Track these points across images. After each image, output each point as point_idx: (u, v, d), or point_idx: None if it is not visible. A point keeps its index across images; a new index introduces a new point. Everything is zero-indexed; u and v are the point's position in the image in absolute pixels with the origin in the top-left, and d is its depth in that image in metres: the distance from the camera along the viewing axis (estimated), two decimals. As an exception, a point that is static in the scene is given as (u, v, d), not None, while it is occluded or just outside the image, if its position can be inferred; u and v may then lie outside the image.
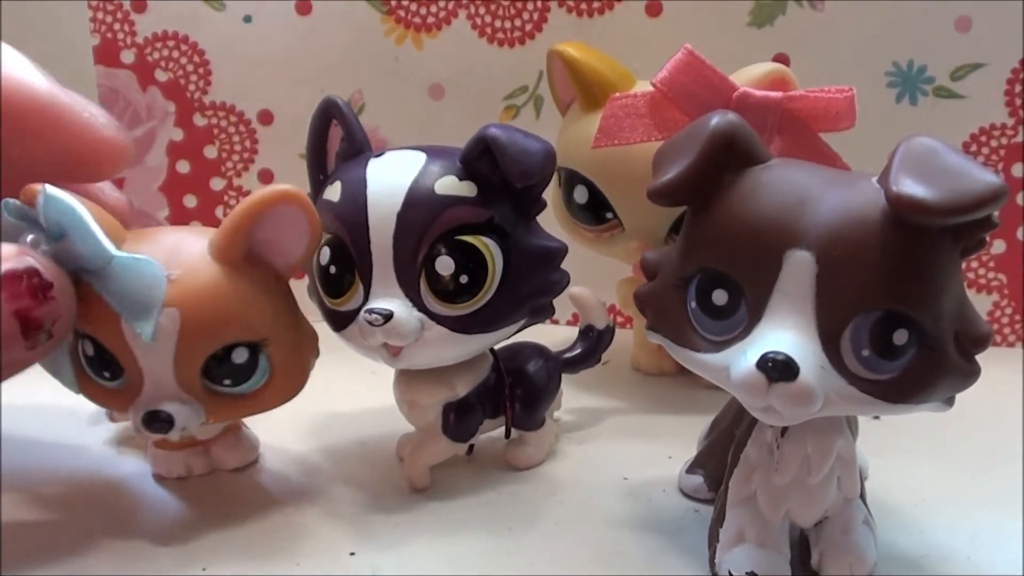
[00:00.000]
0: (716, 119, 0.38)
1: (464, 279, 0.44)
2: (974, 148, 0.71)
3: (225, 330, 0.43)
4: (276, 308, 0.46)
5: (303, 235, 0.45)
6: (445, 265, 0.44)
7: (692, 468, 0.49)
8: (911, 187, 0.33)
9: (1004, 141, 0.71)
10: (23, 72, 0.45)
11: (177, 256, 0.43)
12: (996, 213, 0.34)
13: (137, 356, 0.42)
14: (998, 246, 0.73)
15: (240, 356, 0.44)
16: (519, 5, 0.74)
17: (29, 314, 0.39)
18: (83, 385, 0.46)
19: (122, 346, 0.42)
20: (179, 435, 0.45)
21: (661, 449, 0.53)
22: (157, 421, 0.43)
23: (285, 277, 0.47)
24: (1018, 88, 0.70)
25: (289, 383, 0.47)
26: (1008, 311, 0.74)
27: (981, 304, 0.73)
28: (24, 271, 0.39)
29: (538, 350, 0.53)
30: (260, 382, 0.45)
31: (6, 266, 0.38)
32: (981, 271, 0.73)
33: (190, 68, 0.78)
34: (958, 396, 0.37)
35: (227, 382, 0.44)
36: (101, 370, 0.44)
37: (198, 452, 0.52)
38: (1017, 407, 0.59)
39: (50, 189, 0.40)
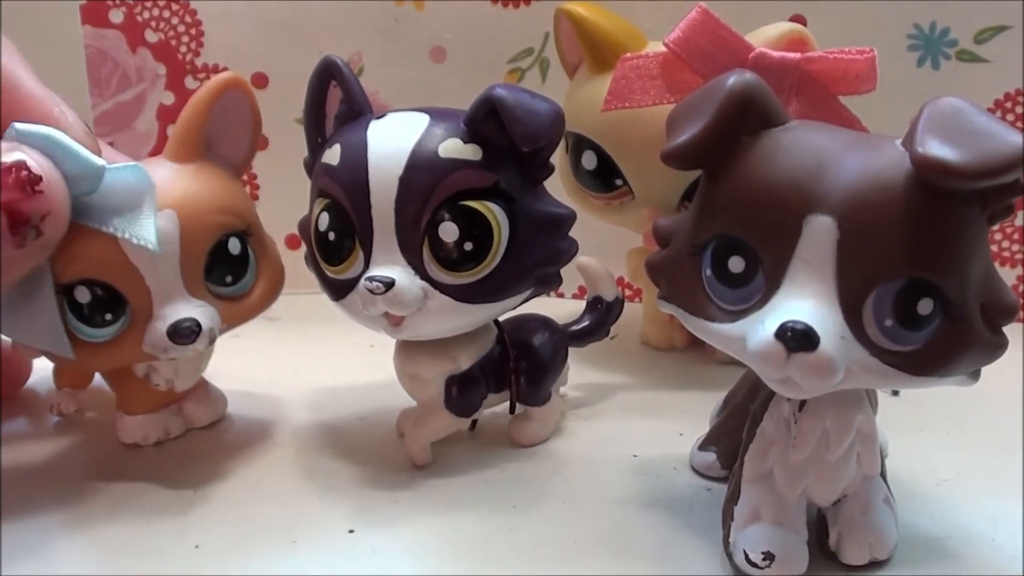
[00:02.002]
0: (733, 79, 0.36)
1: (468, 246, 0.43)
2: (998, 114, 0.69)
3: (218, 219, 0.46)
4: (246, 199, 0.50)
5: (247, 122, 0.50)
6: (449, 231, 0.43)
7: (704, 445, 0.48)
8: (937, 148, 0.32)
9: (1030, 106, 0.69)
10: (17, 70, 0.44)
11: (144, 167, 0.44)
12: (1025, 177, 0.33)
13: (144, 274, 0.43)
14: (1022, 218, 0.71)
15: (235, 246, 0.47)
16: (524, -37, 0.72)
17: (16, 207, 0.38)
18: (78, 351, 0.45)
19: (125, 271, 0.43)
20: (206, 342, 0.45)
21: (671, 426, 0.52)
22: (183, 330, 0.44)
23: (238, 173, 0.51)
24: (1045, 50, 0.68)
25: (271, 280, 0.50)
26: (1033, 285, 0.72)
27: (1006, 277, 0.71)
28: (12, 164, 0.38)
29: (544, 322, 0.52)
30: (253, 277, 0.48)
31: None
32: (1005, 243, 0.72)
33: (181, 29, 0.76)
34: (983, 371, 0.36)
35: (228, 279, 0.47)
36: (101, 315, 0.44)
37: (172, 411, 0.52)
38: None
39: (20, 126, 0.40)
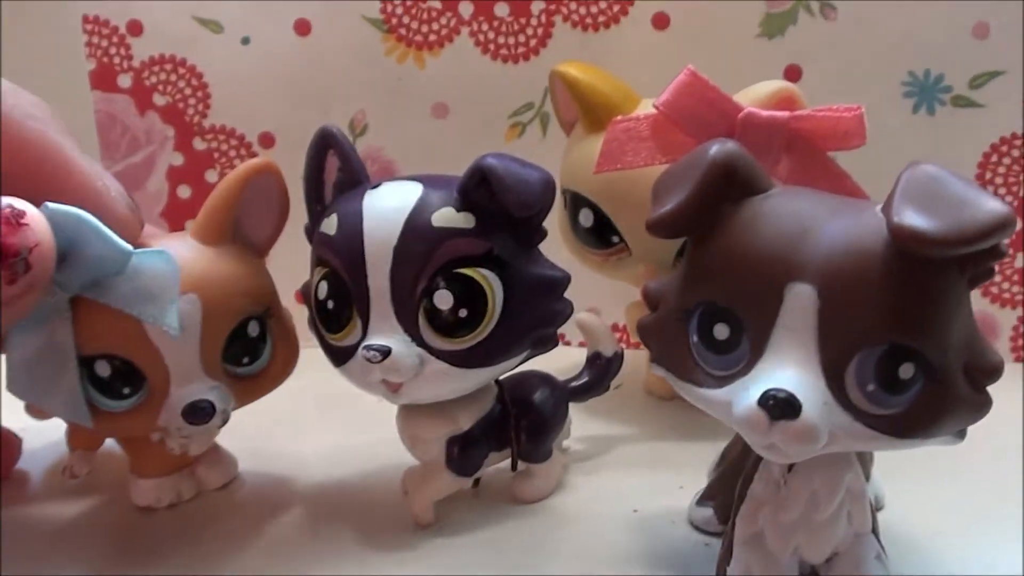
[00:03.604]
0: (715, 148, 0.37)
1: (463, 313, 0.43)
2: (995, 159, 0.69)
3: (240, 303, 0.47)
4: (268, 281, 0.50)
5: (275, 206, 0.51)
6: (444, 299, 0.43)
7: (702, 500, 0.48)
8: (913, 218, 0.32)
9: (1027, 151, 0.69)
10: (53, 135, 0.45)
11: (171, 252, 0.44)
12: (1005, 241, 0.34)
13: (163, 354, 0.44)
14: (1022, 260, 0.71)
15: (254, 329, 0.48)
16: (522, 21, 0.73)
17: (3, 240, 0.38)
18: (94, 419, 0.45)
19: (145, 348, 0.44)
20: (219, 422, 0.47)
21: (672, 478, 0.52)
22: (199, 411, 0.45)
23: (261, 254, 0.51)
24: (1041, 95, 0.68)
25: (287, 357, 0.50)
26: (1033, 326, 0.72)
27: (1006, 319, 0.72)
28: None
29: (544, 379, 0.52)
30: (268, 357, 0.49)
31: None
32: (1005, 285, 0.72)
33: (188, 91, 0.77)
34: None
35: (245, 360, 0.48)
36: (120, 388, 0.45)
37: (185, 475, 0.53)
38: (1044, 424, 0.57)
39: (52, 206, 0.40)
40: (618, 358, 0.55)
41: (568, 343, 0.68)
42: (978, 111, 0.69)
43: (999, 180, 0.69)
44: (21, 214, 0.39)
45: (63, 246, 0.41)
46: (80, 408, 0.45)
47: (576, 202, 0.59)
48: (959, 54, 0.68)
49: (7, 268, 0.39)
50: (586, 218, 0.59)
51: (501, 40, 0.74)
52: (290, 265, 0.52)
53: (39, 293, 0.41)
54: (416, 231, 0.43)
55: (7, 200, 0.39)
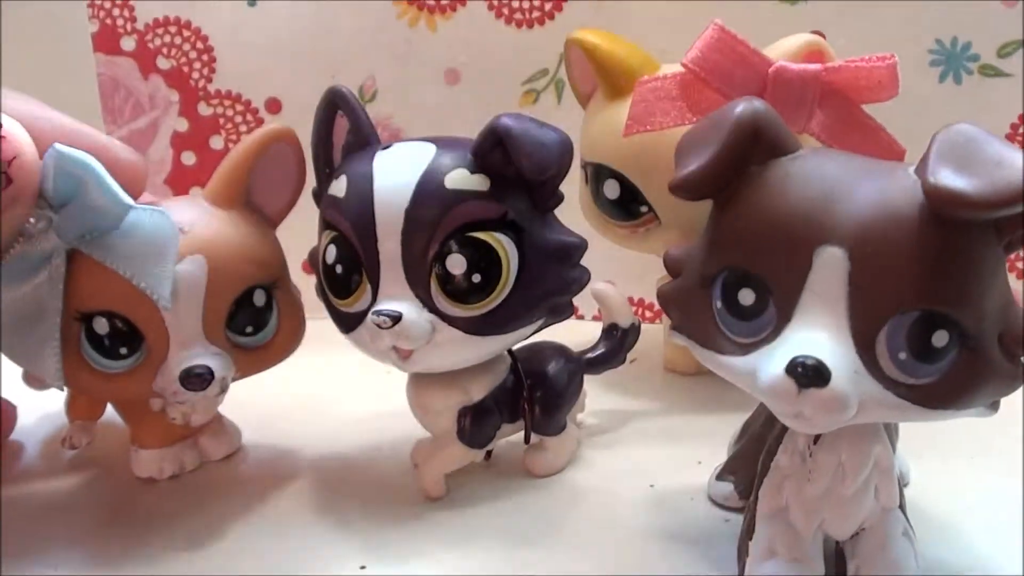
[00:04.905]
0: (740, 107, 0.36)
1: (477, 278, 0.43)
2: (1022, 128, 0.68)
3: (247, 270, 0.46)
4: (278, 251, 0.50)
5: (291, 176, 0.50)
6: (457, 263, 0.42)
7: (722, 474, 0.47)
8: (950, 179, 0.31)
9: (1055, 122, 0.68)
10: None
11: (180, 212, 0.44)
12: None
13: (164, 315, 0.43)
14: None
15: (260, 298, 0.47)
16: (537, -17, 0.72)
17: None
18: (79, 378, 0.45)
19: (146, 309, 0.43)
20: (217, 390, 0.45)
21: (690, 453, 0.51)
22: (196, 377, 0.44)
23: (274, 224, 0.50)
24: (1071, 64, 0.67)
25: (293, 332, 0.49)
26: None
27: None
28: None
29: (559, 350, 0.51)
30: (273, 329, 0.48)
31: None
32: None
33: (193, 55, 0.76)
34: (1014, 393, 0.35)
35: (249, 329, 0.47)
36: (117, 347, 0.44)
37: (188, 445, 0.52)
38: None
39: (61, 147, 0.40)
40: (634, 330, 0.54)
41: (582, 316, 0.67)
42: (1006, 80, 0.68)
43: (1027, 151, 0.68)
44: None
45: (66, 192, 0.41)
46: (55, 367, 0.44)
47: (600, 174, 0.58)
48: (987, 22, 0.67)
49: None
50: (612, 190, 0.57)
51: (515, 4, 0.72)
52: (301, 237, 0.50)
53: (25, 208, 0.40)
54: (429, 193, 0.42)
55: None
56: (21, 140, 0.39)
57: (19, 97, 0.44)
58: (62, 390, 0.45)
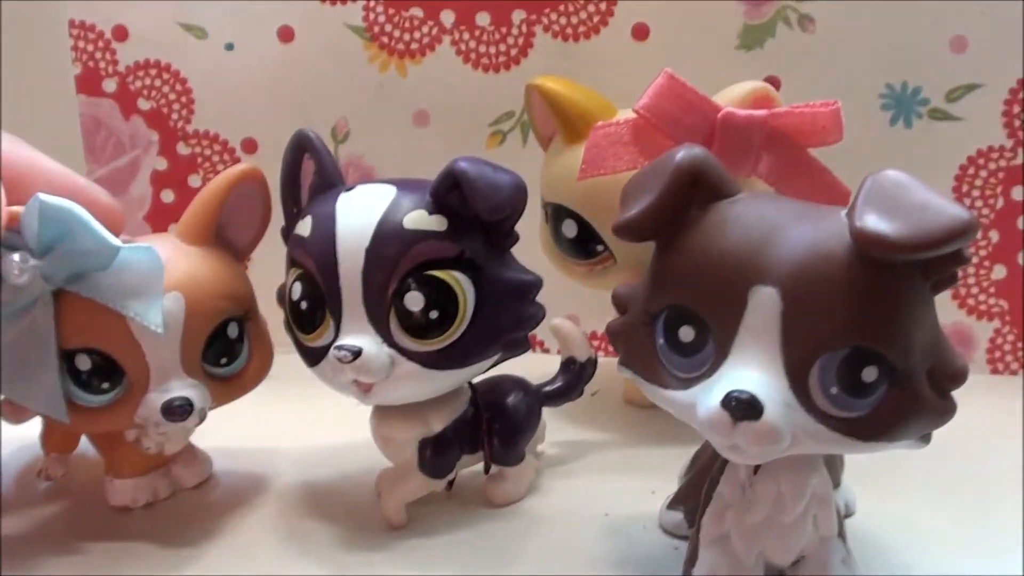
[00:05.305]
0: (681, 154, 0.37)
1: (434, 314, 0.44)
2: (972, 171, 0.70)
3: (221, 304, 0.48)
4: (247, 284, 0.51)
5: (258, 212, 0.52)
6: (415, 300, 0.43)
7: (673, 504, 0.48)
8: (874, 222, 0.33)
9: (1003, 163, 0.69)
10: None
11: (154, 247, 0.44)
12: (967, 248, 0.34)
13: (145, 350, 0.45)
14: (999, 271, 0.71)
15: (233, 331, 0.48)
16: (503, 30, 0.73)
17: None
18: (71, 414, 0.46)
19: (126, 344, 0.44)
20: (196, 421, 0.47)
21: (645, 483, 0.52)
22: (177, 408, 0.45)
23: (242, 258, 0.52)
24: (1016, 109, 0.68)
25: (263, 361, 0.51)
26: (1010, 338, 0.72)
27: (982, 331, 0.72)
28: None
29: (518, 383, 0.52)
30: (245, 359, 0.50)
31: None
32: (982, 297, 0.72)
33: (172, 96, 0.78)
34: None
35: (223, 360, 0.48)
36: (99, 383, 0.45)
37: (161, 474, 0.53)
38: (1017, 437, 0.57)
39: (44, 196, 0.41)
40: (591, 363, 0.55)
41: (548, 350, 0.69)
42: (955, 124, 0.69)
43: (976, 193, 0.69)
44: None
45: (51, 238, 0.42)
46: (58, 402, 0.45)
47: (558, 214, 0.59)
48: (937, 67, 0.69)
49: None
50: (569, 229, 0.58)
51: (482, 49, 0.74)
52: (268, 270, 0.52)
53: None
54: (388, 233, 0.44)
55: None
56: None
57: (4, 138, 0.45)
58: (67, 422, 0.46)
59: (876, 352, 0.34)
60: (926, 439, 0.37)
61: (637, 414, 0.65)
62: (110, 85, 0.78)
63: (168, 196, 0.79)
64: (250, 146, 0.78)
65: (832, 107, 0.50)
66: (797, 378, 0.34)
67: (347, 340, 0.44)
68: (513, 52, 0.74)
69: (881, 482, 0.49)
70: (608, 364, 0.56)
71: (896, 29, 0.69)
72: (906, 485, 0.51)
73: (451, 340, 0.44)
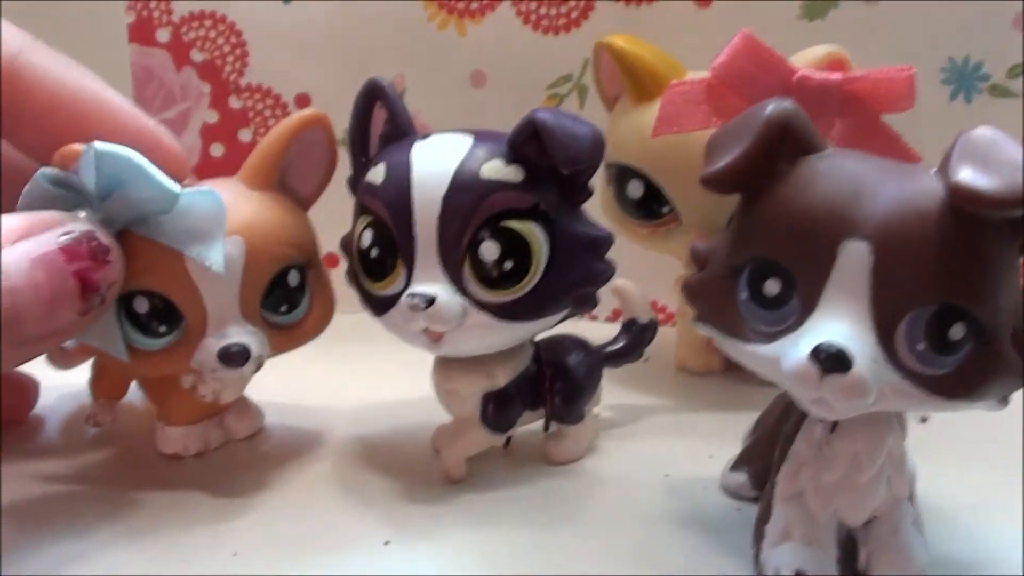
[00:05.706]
0: (771, 106, 0.37)
1: (508, 265, 0.44)
2: (1029, 149, 0.69)
3: (283, 250, 0.47)
4: (311, 233, 0.50)
5: (323, 160, 0.51)
6: (490, 251, 0.43)
7: (736, 466, 0.48)
8: (971, 177, 0.32)
9: (1061, 142, 0.69)
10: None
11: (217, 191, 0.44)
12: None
13: (203, 293, 0.44)
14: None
15: (294, 279, 0.48)
16: (565, -8, 0.73)
17: (89, 276, 0.40)
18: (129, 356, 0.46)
19: (185, 287, 0.44)
20: (253, 368, 0.46)
21: (703, 447, 0.52)
22: (235, 355, 0.45)
23: (305, 207, 0.51)
24: (1077, 87, 0.68)
25: (324, 311, 0.50)
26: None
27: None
28: (83, 234, 0.40)
29: (579, 343, 0.52)
30: (306, 309, 0.49)
31: (66, 228, 0.40)
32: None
33: (227, 49, 0.77)
34: (1014, 396, 0.36)
35: (283, 308, 0.48)
36: (156, 326, 0.45)
37: (214, 424, 0.53)
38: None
39: (100, 145, 0.40)
40: (653, 325, 0.55)
41: (595, 317, 0.68)
42: (1015, 101, 0.69)
43: (1034, 171, 0.69)
44: (107, 250, 0.40)
45: (107, 185, 0.41)
46: (117, 340, 0.45)
47: (623, 175, 0.59)
48: (999, 44, 0.69)
49: (85, 301, 0.40)
50: (635, 189, 0.58)
51: (543, 11, 0.74)
52: (328, 223, 0.52)
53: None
54: (465, 182, 0.43)
55: (90, 228, 0.40)
56: (120, 265, 0.42)
57: (71, 66, 0.45)
58: (125, 359, 0.45)
59: (965, 309, 0.33)
60: (1005, 401, 0.37)
61: (690, 380, 0.65)
62: (163, 35, 0.77)
63: (217, 150, 0.79)
64: (303, 101, 0.78)
65: (907, 73, 0.50)
66: (885, 334, 0.34)
67: (420, 288, 0.44)
68: (574, 15, 0.73)
69: (937, 454, 0.47)
70: (660, 332, 0.56)
71: (959, 5, 0.69)
72: (961, 458, 0.50)
73: (524, 292, 0.44)
